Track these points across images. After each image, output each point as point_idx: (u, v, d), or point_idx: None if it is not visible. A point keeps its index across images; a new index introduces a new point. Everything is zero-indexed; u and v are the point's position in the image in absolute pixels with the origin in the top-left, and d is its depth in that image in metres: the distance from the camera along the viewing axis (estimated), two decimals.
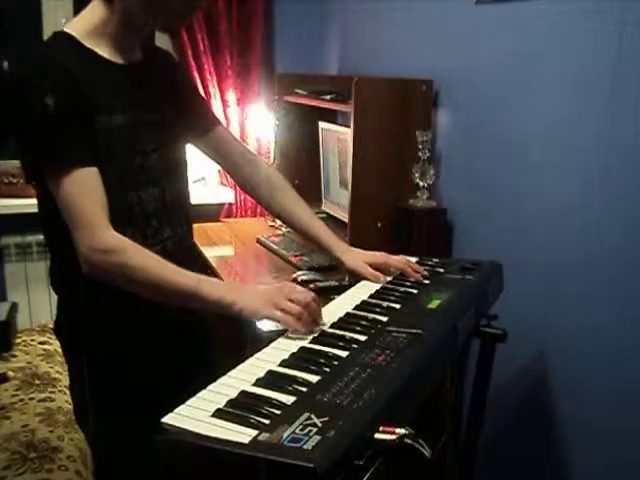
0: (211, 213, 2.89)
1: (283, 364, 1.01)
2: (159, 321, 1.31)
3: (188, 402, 0.89)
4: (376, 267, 1.44)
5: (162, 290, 1.18)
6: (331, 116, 2.64)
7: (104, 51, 1.25)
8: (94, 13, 1.25)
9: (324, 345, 1.08)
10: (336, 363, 1.00)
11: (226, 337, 1.69)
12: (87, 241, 1.15)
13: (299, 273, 1.92)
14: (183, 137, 1.43)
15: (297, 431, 0.79)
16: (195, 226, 1.50)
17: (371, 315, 1.21)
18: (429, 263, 1.53)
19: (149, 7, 1.23)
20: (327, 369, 0.98)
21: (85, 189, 1.16)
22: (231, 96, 2.90)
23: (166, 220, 1.34)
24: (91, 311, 1.30)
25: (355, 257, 1.46)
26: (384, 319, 1.19)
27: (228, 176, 2.94)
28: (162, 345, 1.33)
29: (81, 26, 1.24)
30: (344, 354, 1.04)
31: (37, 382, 2.07)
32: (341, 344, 1.08)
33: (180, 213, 1.40)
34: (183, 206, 1.42)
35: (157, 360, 1.33)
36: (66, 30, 1.23)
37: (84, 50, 1.22)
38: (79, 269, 1.19)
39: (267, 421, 0.83)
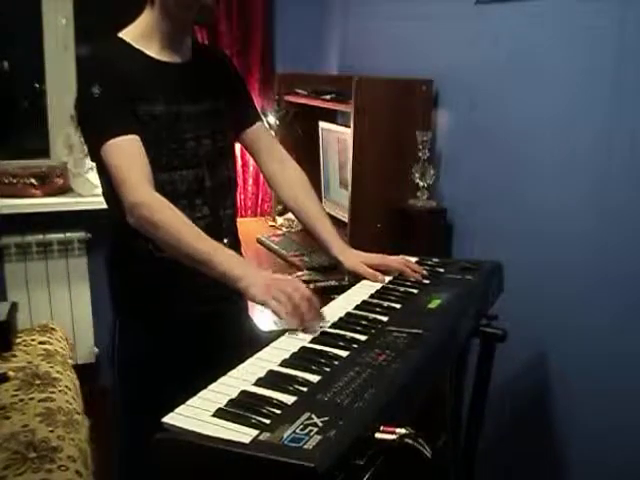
0: None
1: (284, 364, 1.01)
2: (184, 304, 1.46)
3: (189, 402, 0.89)
4: (375, 268, 1.45)
5: (180, 250, 1.26)
6: (331, 116, 2.65)
7: (152, 51, 1.42)
8: (144, 19, 1.44)
9: (325, 345, 1.08)
10: (337, 363, 1.00)
11: (235, 335, 1.69)
12: (127, 195, 1.28)
13: (299, 273, 1.92)
14: (227, 129, 1.55)
15: (298, 431, 0.79)
16: None
17: (371, 315, 1.21)
18: (429, 263, 1.53)
19: (178, 1, 1.37)
20: (328, 369, 0.98)
21: (126, 152, 1.31)
22: None
23: (201, 201, 1.46)
24: (127, 283, 1.50)
25: (353, 257, 1.47)
26: (384, 319, 1.19)
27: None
28: (181, 327, 1.45)
29: (132, 32, 1.44)
30: (345, 354, 1.04)
31: (37, 382, 2.06)
32: (341, 344, 1.08)
33: (222, 198, 1.52)
34: (227, 192, 1.55)
35: (174, 340, 1.44)
36: (119, 35, 1.43)
37: (133, 50, 1.41)
38: (125, 247, 1.41)
39: (268, 421, 0.83)
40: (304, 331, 1.14)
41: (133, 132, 1.32)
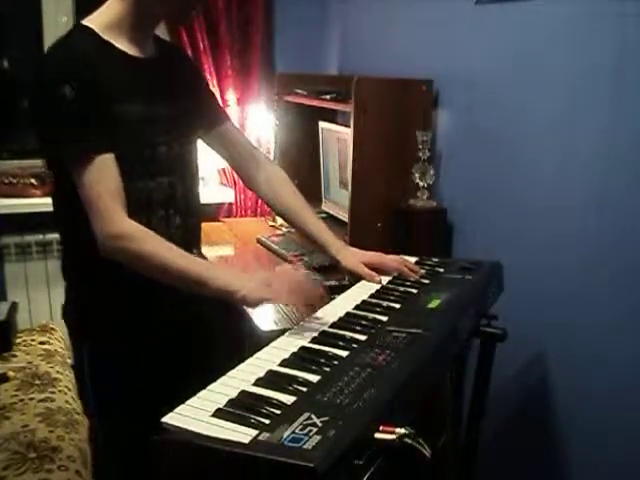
0: (211, 213, 2.89)
1: (283, 364, 1.01)
2: (161, 318, 1.36)
3: (188, 402, 0.89)
4: (372, 267, 1.44)
5: (169, 275, 1.21)
6: (331, 116, 2.64)
7: (121, 44, 1.29)
8: (112, 8, 1.29)
9: (324, 345, 1.08)
10: (336, 363, 1.00)
11: (226, 337, 1.69)
12: (101, 227, 1.19)
13: None
14: (194, 131, 1.46)
15: (297, 431, 0.79)
16: None
17: (371, 315, 1.21)
18: (429, 263, 1.53)
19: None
20: (327, 369, 0.98)
21: (101, 176, 1.20)
22: (231, 96, 2.90)
23: (176, 210, 1.38)
24: (95, 302, 1.36)
25: (351, 256, 1.46)
26: (384, 319, 1.19)
27: (228, 175, 2.97)
28: (162, 342, 1.36)
29: (100, 20, 1.28)
30: (344, 354, 1.04)
31: (37, 382, 2.07)
32: (341, 344, 1.08)
33: (192, 205, 1.44)
34: (194, 199, 1.46)
35: (157, 357, 1.35)
36: (85, 23, 1.27)
37: (102, 42, 1.26)
38: (88, 260, 1.25)
39: (267, 421, 0.83)
40: (308, 307, 1.18)
41: (109, 148, 1.21)
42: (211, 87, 1.61)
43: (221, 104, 1.58)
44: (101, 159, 1.20)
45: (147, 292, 1.30)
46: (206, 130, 1.51)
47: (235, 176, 2.94)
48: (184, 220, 1.40)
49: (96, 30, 1.26)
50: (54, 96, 1.18)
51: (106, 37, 1.27)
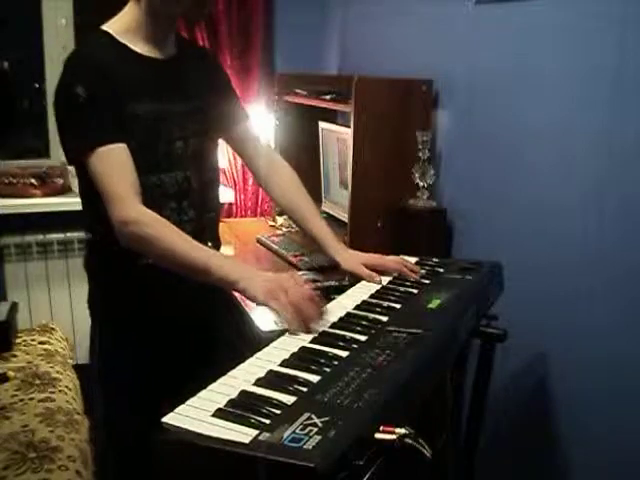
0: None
1: (283, 364, 1.01)
2: (165, 317, 1.40)
3: (188, 402, 0.89)
4: (372, 268, 1.44)
5: (175, 260, 1.23)
6: (331, 116, 2.64)
7: (137, 46, 1.36)
8: (128, 13, 1.37)
9: (324, 345, 1.08)
10: (336, 363, 1.00)
11: (226, 337, 1.69)
12: (116, 213, 1.24)
13: (299, 273, 1.92)
14: (212, 128, 1.50)
15: (297, 431, 0.79)
16: None
17: (371, 315, 1.21)
18: (429, 263, 1.53)
19: (167, 1, 1.32)
20: (327, 369, 0.98)
21: (113, 164, 1.26)
22: None
23: (190, 203, 1.42)
24: (108, 295, 1.44)
25: (351, 258, 1.47)
26: (384, 319, 1.19)
27: (228, 175, 2.97)
28: (166, 341, 1.39)
29: (117, 25, 1.37)
30: (344, 354, 1.04)
31: (37, 382, 2.07)
32: (341, 344, 1.08)
33: (209, 201, 1.48)
34: (212, 195, 1.51)
35: (160, 355, 1.38)
36: (103, 28, 1.37)
37: (118, 45, 1.34)
38: (107, 253, 1.34)
39: (268, 421, 0.83)
40: (306, 331, 1.14)
41: (121, 139, 1.27)
42: (233, 86, 1.65)
43: (241, 104, 1.62)
44: (112, 149, 1.26)
45: (154, 290, 1.36)
46: (225, 128, 1.55)
47: (235, 176, 2.95)
48: (199, 214, 1.44)
49: (113, 34, 1.35)
50: (69, 96, 1.27)
51: (123, 40, 1.35)
